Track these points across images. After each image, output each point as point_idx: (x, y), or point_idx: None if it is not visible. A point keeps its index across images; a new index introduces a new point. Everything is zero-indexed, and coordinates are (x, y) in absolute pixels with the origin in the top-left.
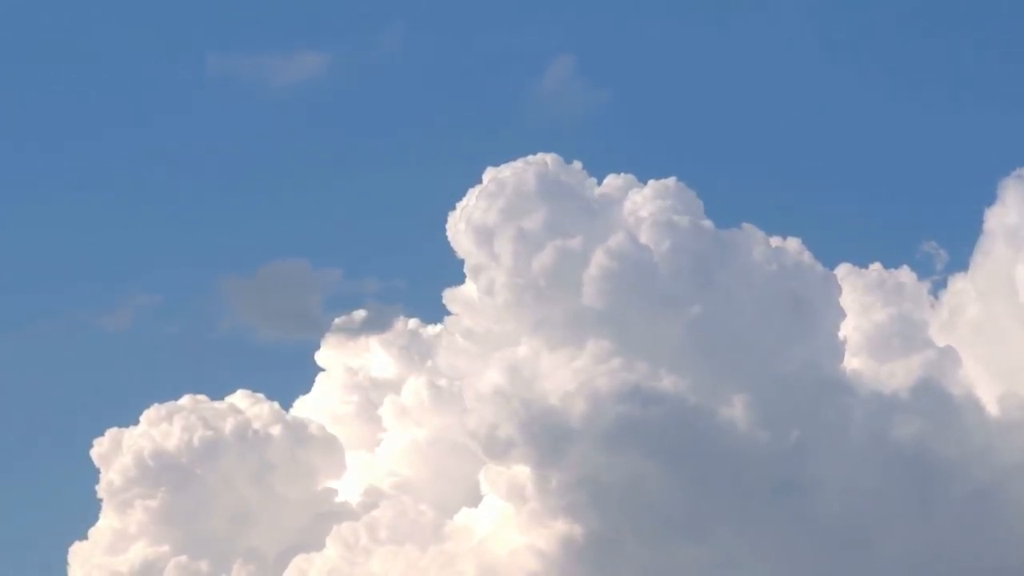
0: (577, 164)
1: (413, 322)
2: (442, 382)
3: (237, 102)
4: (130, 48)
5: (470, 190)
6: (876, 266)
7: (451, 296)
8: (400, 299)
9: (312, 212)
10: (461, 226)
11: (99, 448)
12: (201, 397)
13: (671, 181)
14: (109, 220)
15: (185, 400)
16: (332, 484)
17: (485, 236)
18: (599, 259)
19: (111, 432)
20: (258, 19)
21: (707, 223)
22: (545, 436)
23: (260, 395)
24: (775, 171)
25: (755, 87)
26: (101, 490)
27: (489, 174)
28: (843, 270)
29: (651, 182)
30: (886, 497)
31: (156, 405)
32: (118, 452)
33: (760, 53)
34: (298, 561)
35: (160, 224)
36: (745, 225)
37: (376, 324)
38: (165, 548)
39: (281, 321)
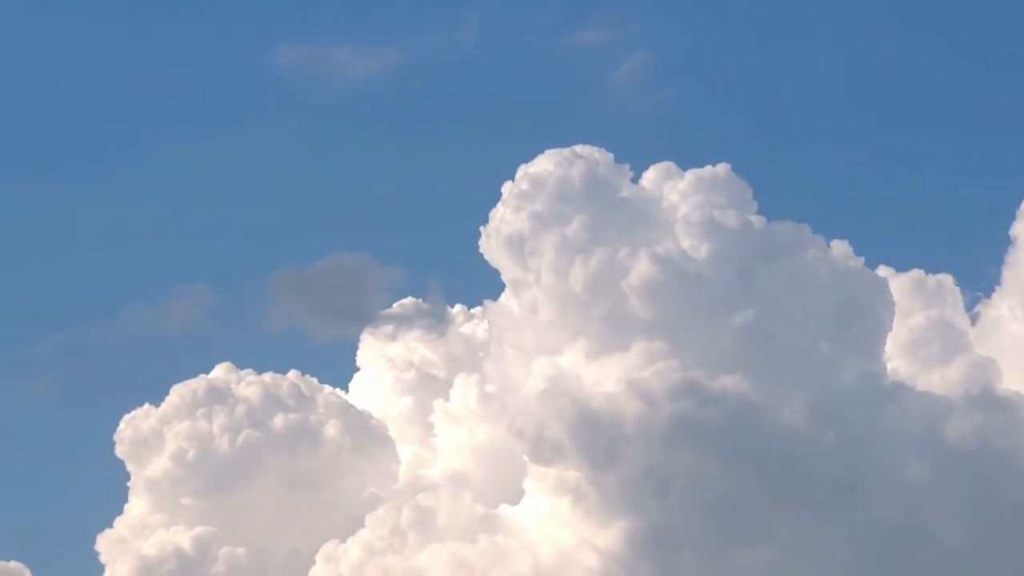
0: (625, 166)
1: (459, 308)
2: (490, 387)
3: (306, 95)
4: (201, 39)
5: (502, 196)
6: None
7: (493, 308)
8: (460, 298)
9: (377, 209)
10: (493, 241)
11: (122, 446)
12: (245, 372)
13: (722, 168)
14: (170, 212)
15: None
16: (379, 490)
17: (521, 248)
18: (643, 266)
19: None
20: (331, 13)
21: (756, 219)
22: (595, 436)
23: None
24: (822, 175)
25: (814, 95)
26: (135, 486)
27: (521, 172)
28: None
29: (699, 170)
30: (944, 496)
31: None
32: (155, 445)
33: (821, 66)
34: (329, 548)
35: (220, 216)
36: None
37: (429, 323)
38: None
39: (338, 316)
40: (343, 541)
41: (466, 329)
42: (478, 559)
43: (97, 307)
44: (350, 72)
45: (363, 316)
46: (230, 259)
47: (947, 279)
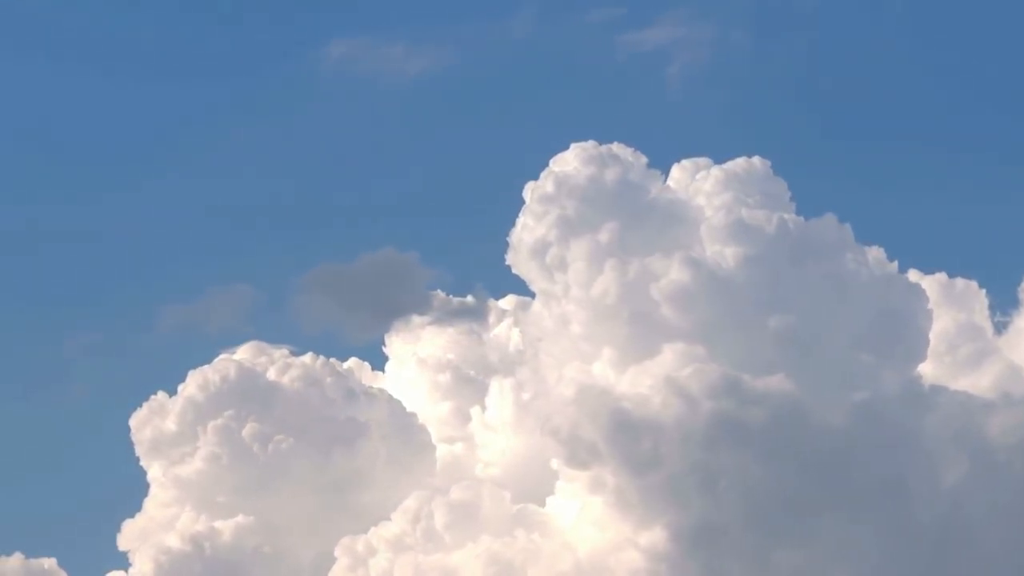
0: (656, 171)
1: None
2: (526, 395)
3: (357, 90)
4: (253, 32)
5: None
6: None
7: (525, 318)
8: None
9: (427, 206)
10: (521, 256)
11: (140, 439)
12: (282, 351)
13: (757, 161)
14: (214, 210)
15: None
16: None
17: (549, 257)
18: (678, 271)
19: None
20: (384, 8)
21: (791, 217)
22: (633, 436)
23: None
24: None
25: (867, 102)
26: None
27: (545, 172)
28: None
29: (732, 162)
30: (987, 496)
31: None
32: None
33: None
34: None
35: (265, 214)
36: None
37: (467, 322)
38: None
39: (377, 314)
40: (364, 532)
41: (500, 331)
42: (515, 556)
43: (135, 307)
44: (403, 67)
45: (401, 314)
46: (273, 257)
47: (972, 284)
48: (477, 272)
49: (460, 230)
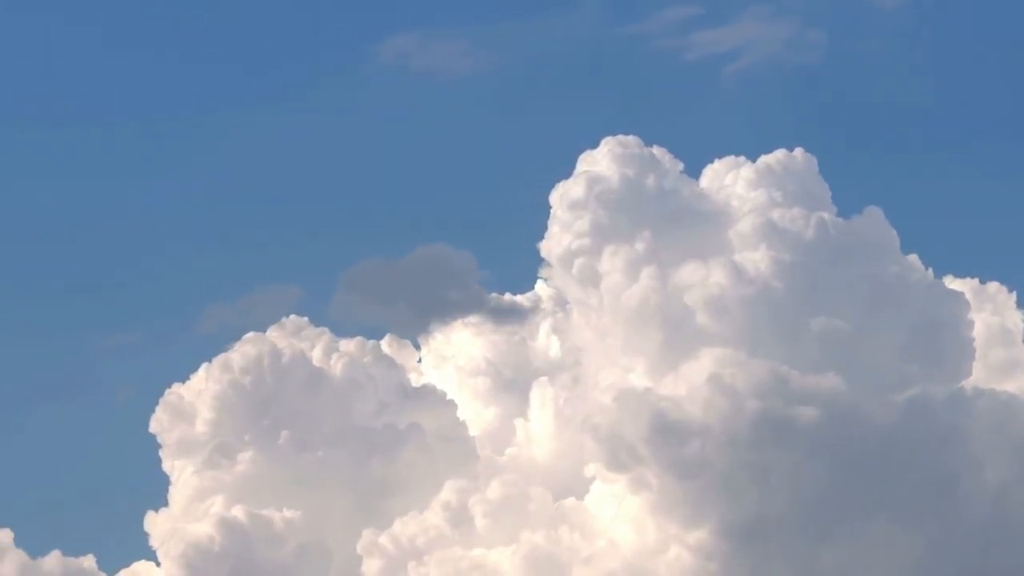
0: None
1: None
2: (563, 399)
3: (408, 90)
4: (312, 24)
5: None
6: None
7: (563, 324)
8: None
9: (477, 205)
10: (555, 271)
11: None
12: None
13: (799, 153)
14: (262, 207)
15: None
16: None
17: (582, 265)
18: (716, 279)
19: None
20: (440, 5)
21: (830, 217)
22: (676, 435)
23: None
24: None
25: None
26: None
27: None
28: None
29: (768, 157)
30: None
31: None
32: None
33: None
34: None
35: (312, 210)
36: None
37: (515, 324)
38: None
39: (422, 311)
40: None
41: (541, 335)
42: (561, 554)
43: (177, 305)
44: (462, 63)
45: (449, 313)
46: (320, 257)
47: (1003, 288)
48: (528, 273)
49: (512, 229)
